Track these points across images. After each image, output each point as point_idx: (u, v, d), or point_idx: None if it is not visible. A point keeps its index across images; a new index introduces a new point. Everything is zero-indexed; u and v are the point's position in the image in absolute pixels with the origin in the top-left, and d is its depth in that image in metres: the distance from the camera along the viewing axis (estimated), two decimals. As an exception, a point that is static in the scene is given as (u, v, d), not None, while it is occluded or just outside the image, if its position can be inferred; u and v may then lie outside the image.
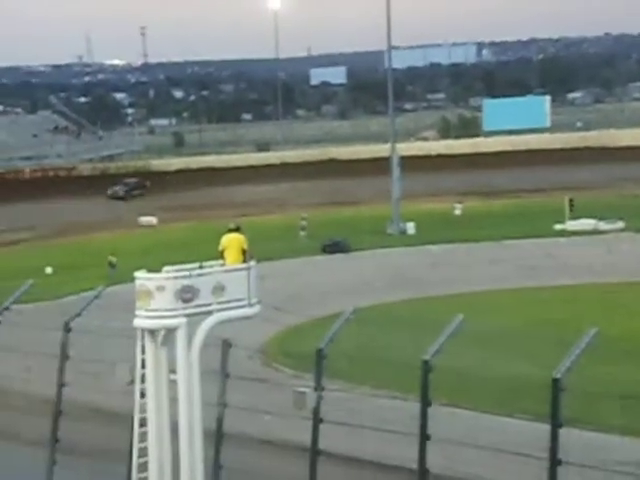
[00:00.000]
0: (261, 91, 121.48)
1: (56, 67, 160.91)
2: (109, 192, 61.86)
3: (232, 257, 12.65)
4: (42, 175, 65.15)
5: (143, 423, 13.24)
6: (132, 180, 62.96)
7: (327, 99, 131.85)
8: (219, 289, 12.34)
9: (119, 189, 62.12)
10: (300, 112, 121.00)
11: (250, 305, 12.48)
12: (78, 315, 15.86)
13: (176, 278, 12.28)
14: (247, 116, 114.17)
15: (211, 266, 12.62)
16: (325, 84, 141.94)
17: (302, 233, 48.14)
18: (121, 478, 14.53)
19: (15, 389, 21.91)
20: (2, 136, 72.64)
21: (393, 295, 34.75)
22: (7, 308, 16.92)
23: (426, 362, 11.62)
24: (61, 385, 16.35)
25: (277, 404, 14.34)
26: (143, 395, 13.25)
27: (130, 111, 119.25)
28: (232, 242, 12.75)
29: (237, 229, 12.90)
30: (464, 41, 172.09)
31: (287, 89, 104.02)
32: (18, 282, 17.65)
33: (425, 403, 11.75)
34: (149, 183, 62.37)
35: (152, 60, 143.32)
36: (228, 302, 12.38)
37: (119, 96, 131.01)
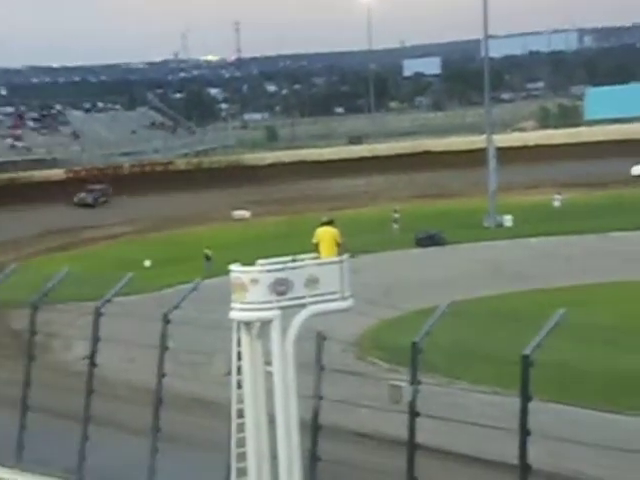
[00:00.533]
0: (353, 84, 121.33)
1: (153, 64, 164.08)
2: (75, 199, 58.53)
3: (326, 250, 12.67)
4: (140, 170, 66.47)
5: (241, 414, 13.42)
6: (98, 186, 59.88)
7: (421, 90, 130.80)
8: (312, 282, 12.38)
9: (86, 196, 58.82)
10: (393, 104, 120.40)
11: (343, 298, 12.49)
12: (176, 307, 16.15)
13: (270, 271, 12.37)
14: (339, 109, 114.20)
15: (304, 259, 12.67)
16: (419, 75, 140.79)
17: (395, 226, 47.97)
18: (221, 467, 14.74)
19: (118, 379, 22.45)
20: (102, 132, 74.42)
21: (491, 288, 34.26)
22: (109, 300, 17.34)
23: (526, 357, 11.42)
24: (161, 375, 16.69)
25: (372, 397, 14.33)
26: (240, 386, 13.43)
27: (224, 106, 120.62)
28: (326, 235, 12.77)
29: (330, 222, 12.92)
30: (565, 28, 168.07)
31: (380, 81, 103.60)
32: (118, 274, 18.05)
33: (525, 398, 11.56)
34: (111, 189, 59.54)
35: (246, 55, 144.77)
36: (321, 295, 12.42)
37: (213, 91, 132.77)
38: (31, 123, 74.44)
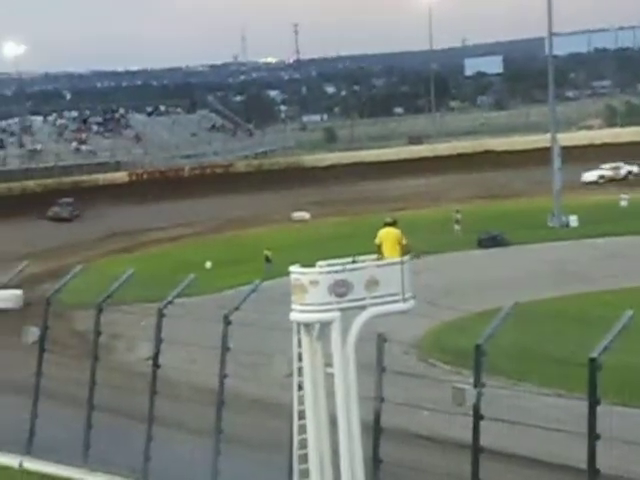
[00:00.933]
0: (414, 84, 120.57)
1: (214, 67, 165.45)
2: (49, 214, 55.50)
3: (388, 251, 12.59)
4: (200, 172, 67.04)
5: (302, 415, 13.41)
6: (68, 200, 57.06)
7: (482, 89, 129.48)
8: (373, 283, 12.31)
9: (61, 210, 55.90)
10: (454, 104, 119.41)
11: (404, 300, 12.39)
12: (237, 309, 16.21)
13: (329, 272, 12.33)
14: (399, 109, 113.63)
15: (364, 260, 12.60)
16: (480, 74, 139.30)
17: (457, 227, 47.59)
18: (283, 469, 14.75)
19: (181, 380, 22.61)
20: (164, 135, 75.25)
21: (556, 290, 33.72)
22: (171, 302, 17.48)
23: (594, 360, 11.20)
24: (223, 376, 16.77)
25: (435, 400, 14.20)
26: (301, 388, 13.41)
27: (283, 108, 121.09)
28: (388, 236, 12.69)
29: (393, 223, 12.83)
30: (632, 25, 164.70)
31: (440, 81, 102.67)
32: (180, 276, 18.19)
33: (593, 401, 11.33)
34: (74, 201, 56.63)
35: (305, 57, 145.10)
36: (382, 297, 12.34)
37: (272, 93, 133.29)
38: (95, 127, 75.57)
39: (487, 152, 68.23)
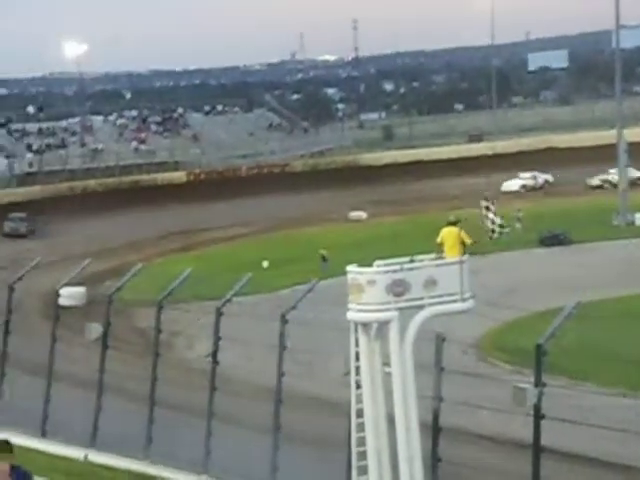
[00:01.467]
0: (474, 80, 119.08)
1: (271, 65, 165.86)
2: (6, 229, 52.32)
3: (449, 250, 12.55)
4: (257, 172, 67.36)
5: (360, 414, 13.45)
6: (20, 214, 53.12)
7: (546, 84, 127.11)
8: (431, 283, 12.27)
9: (18, 226, 52.44)
10: (516, 100, 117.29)
11: (463, 300, 12.34)
12: (293, 308, 16.29)
13: (387, 272, 12.32)
14: (459, 106, 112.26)
15: (422, 260, 12.57)
16: (544, 69, 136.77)
17: (518, 225, 47.14)
18: (341, 465, 14.81)
19: (239, 377, 22.84)
20: (221, 135, 75.74)
21: (621, 289, 33.17)
22: (229, 300, 17.64)
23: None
24: (281, 374, 16.89)
25: (494, 399, 14.13)
26: (359, 386, 13.45)
27: (340, 106, 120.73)
28: (450, 235, 12.65)
29: (456, 222, 12.78)
30: None
31: (502, 76, 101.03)
32: (237, 275, 18.35)
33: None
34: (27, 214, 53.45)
35: (363, 54, 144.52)
36: (440, 296, 12.30)
37: (330, 91, 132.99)
38: (154, 126, 76.41)
39: (550, 149, 67.24)
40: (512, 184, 59.68)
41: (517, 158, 65.58)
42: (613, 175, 56.54)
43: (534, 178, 60.53)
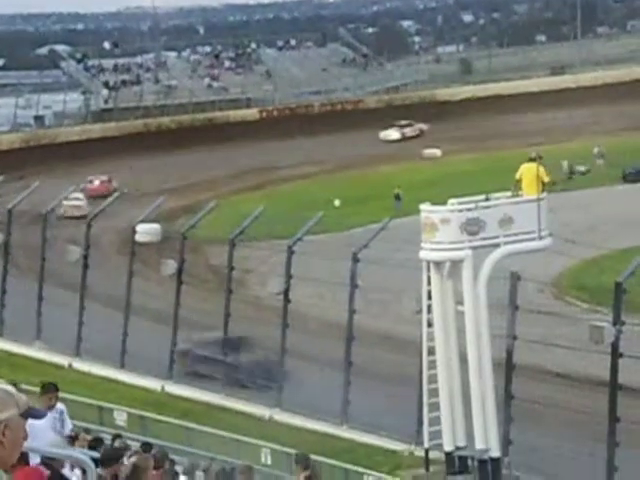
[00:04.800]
0: (558, 9, 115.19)
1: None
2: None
3: (527, 187, 12.31)
4: (331, 109, 66.85)
5: (431, 351, 13.41)
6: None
7: (634, 14, 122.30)
8: (507, 221, 12.07)
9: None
10: (601, 30, 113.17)
11: (540, 238, 12.13)
12: (365, 246, 16.24)
13: (461, 211, 12.16)
14: (541, 38, 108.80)
15: (498, 198, 12.35)
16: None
17: (600, 161, 46.00)
18: (412, 402, 14.81)
19: (310, 314, 22.97)
20: (294, 71, 75.26)
21: None
22: (300, 239, 17.67)
23: None
24: (352, 312, 16.93)
25: (570, 338, 13.97)
26: (430, 325, 13.39)
27: (417, 39, 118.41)
28: (529, 172, 12.39)
29: (535, 159, 12.49)
30: None
31: (587, 5, 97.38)
32: (309, 214, 18.31)
33: None
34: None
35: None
36: (516, 235, 12.11)
37: (406, 24, 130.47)
38: (227, 62, 76.32)
39: (636, 81, 64.91)
40: (389, 133, 57.95)
41: (602, 91, 63.63)
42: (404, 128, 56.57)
43: (410, 125, 58.55)
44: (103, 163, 51.08)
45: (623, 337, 12.32)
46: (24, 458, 3.72)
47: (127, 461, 8.33)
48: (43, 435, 7.39)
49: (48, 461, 5.07)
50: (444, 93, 69.74)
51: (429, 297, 13.32)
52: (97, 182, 47.31)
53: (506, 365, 14.00)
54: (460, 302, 13.02)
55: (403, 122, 59.17)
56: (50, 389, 8.88)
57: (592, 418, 14.26)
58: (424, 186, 39.41)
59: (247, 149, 55.98)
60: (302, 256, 17.93)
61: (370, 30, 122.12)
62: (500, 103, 64.11)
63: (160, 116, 62.16)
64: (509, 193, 12.54)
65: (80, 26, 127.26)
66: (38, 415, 2.98)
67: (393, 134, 58.51)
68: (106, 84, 66.13)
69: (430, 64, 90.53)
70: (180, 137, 57.13)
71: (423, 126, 59.50)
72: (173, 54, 78.15)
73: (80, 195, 39.77)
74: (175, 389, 19.92)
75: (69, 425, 9.07)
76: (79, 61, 70.51)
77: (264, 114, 65.12)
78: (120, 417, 18.03)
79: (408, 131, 59.22)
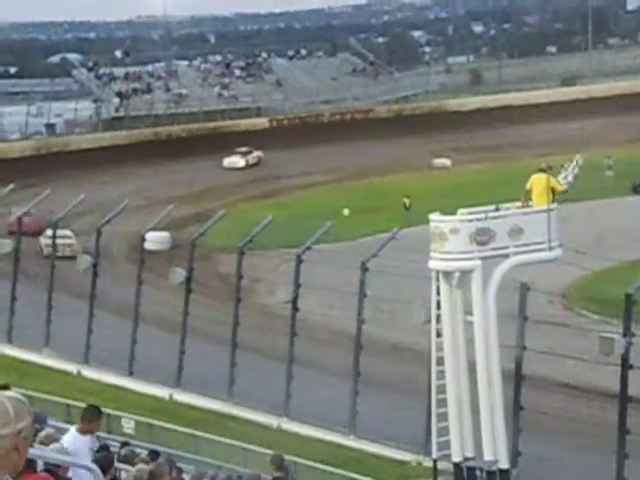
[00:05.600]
0: (569, 20, 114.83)
1: (356, 7, 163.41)
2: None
3: (537, 198, 12.30)
4: (340, 118, 66.89)
5: (440, 361, 13.36)
6: None
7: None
8: (516, 232, 12.04)
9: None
10: (612, 41, 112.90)
11: (550, 248, 12.10)
12: (374, 256, 16.22)
13: (471, 221, 12.14)
14: (552, 49, 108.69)
15: (508, 208, 12.33)
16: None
17: (609, 172, 45.91)
18: (420, 412, 14.75)
19: (319, 323, 22.94)
20: (305, 80, 75.38)
21: None
22: (309, 247, 17.66)
23: None
24: (360, 321, 16.89)
25: (580, 349, 13.92)
26: (439, 335, 13.35)
27: (427, 49, 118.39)
28: (540, 183, 12.38)
29: (546, 169, 12.50)
30: None
31: (599, 16, 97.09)
32: (318, 223, 18.30)
33: None
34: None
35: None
36: (526, 245, 12.08)
37: (417, 34, 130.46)
38: (238, 71, 76.50)
39: (647, 92, 64.71)
40: (235, 161, 55.38)
41: (613, 102, 63.50)
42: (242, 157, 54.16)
43: (249, 153, 55.96)
44: (113, 171, 51.26)
45: (633, 349, 12.28)
46: (32, 465, 3.73)
47: (134, 469, 8.32)
48: (86, 455, 7.32)
49: (52, 468, 5.07)
50: (454, 103, 69.73)
51: (438, 307, 13.29)
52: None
53: (515, 376, 13.97)
54: (469, 312, 12.99)
55: (244, 149, 56.04)
56: (94, 416, 8.24)
57: (602, 430, 14.19)
58: (434, 196, 39.37)
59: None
60: (311, 265, 17.93)
61: (380, 40, 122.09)
62: (510, 114, 64.05)
63: (170, 124, 62.31)
64: (519, 203, 12.53)
65: (92, 35, 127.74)
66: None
67: (239, 162, 55.18)
68: (118, 93, 66.37)
69: (440, 74, 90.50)
70: (190, 145, 57.24)
71: (260, 153, 56.29)
72: (184, 63, 78.42)
73: (69, 232, 33.48)
74: (183, 397, 19.92)
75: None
76: (90, 69, 70.80)
77: (274, 123, 65.20)
78: (128, 425, 18.03)
79: (250, 158, 56.10)
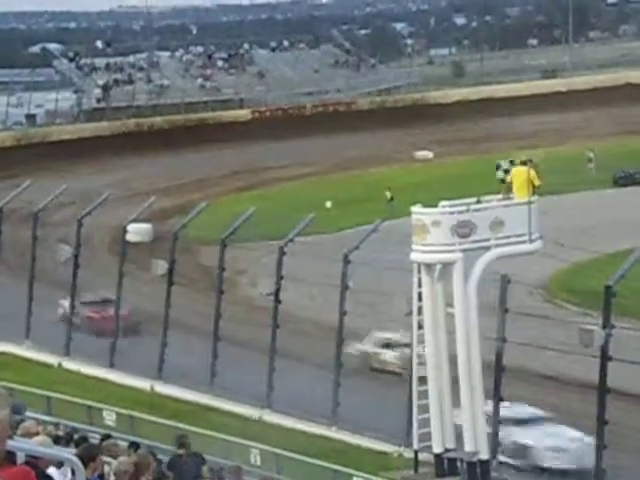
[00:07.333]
0: (550, 13, 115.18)
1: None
2: None
3: (518, 191, 12.36)
4: (323, 110, 66.83)
5: (421, 354, 13.42)
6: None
7: (626, 18, 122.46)
8: (498, 224, 12.11)
9: None
10: (593, 34, 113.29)
11: (531, 241, 12.17)
12: (356, 248, 16.26)
13: (452, 213, 12.19)
14: (533, 41, 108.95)
15: (489, 201, 12.39)
16: (624, 1, 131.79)
17: (590, 165, 46.13)
18: (401, 403, 14.82)
19: (301, 315, 22.98)
20: (287, 72, 75.23)
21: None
22: (291, 240, 17.68)
23: None
24: (343, 313, 16.93)
25: (560, 341, 14.03)
26: (421, 327, 13.42)
27: (409, 42, 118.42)
28: (520, 175, 12.45)
29: (526, 162, 12.56)
30: None
31: (580, 9, 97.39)
32: (300, 215, 18.32)
33: None
34: None
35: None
36: (507, 237, 12.15)
37: (399, 26, 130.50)
38: (220, 63, 76.25)
39: (627, 85, 64.98)
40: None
41: (593, 95, 63.74)
42: None
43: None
44: (94, 162, 51.04)
45: (612, 340, 12.38)
46: (11, 457, 3.72)
47: (116, 461, 8.32)
48: None
49: (33, 460, 5.06)
50: (436, 95, 69.79)
51: (420, 299, 13.35)
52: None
53: (496, 367, 14.05)
54: (450, 304, 13.07)
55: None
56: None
57: (580, 420, 14.31)
58: (416, 188, 39.46)
59: (239, 150, 55.96)
60: (293, 257, 17.96)
61: (363, 32, 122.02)
62: (492, 106, 64.18)
63: (152, 116, 62.07)
64: (500, 196, 12.59)
65: (73, 25, 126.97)
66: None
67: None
68: (103, 85, 66.03)
69: (422, 66, 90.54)
70: (172, 137, 57.06)
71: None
72: (166, 54, 78.02)
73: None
74: (164, 389, 19.91)
75: None
76: (71, 60, 70.34)
77: (256, 115, 65.08)
78: (109, 417, 18.01)
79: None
